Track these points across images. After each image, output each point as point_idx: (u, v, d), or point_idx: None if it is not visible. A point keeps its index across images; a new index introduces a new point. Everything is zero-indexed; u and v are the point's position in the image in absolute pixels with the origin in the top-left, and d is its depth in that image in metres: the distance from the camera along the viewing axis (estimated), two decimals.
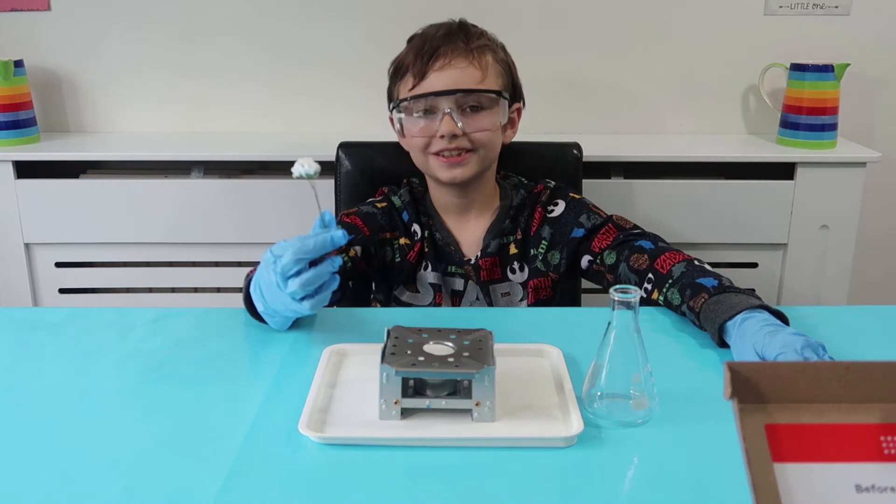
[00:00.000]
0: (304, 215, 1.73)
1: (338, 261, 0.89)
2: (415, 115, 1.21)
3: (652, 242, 1.17)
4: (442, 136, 1.19)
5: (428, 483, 0.72)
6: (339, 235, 0.87)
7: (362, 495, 0.70)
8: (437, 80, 1.19)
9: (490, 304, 1.29)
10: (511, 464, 0.74)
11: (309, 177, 0.91)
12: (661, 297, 1.09)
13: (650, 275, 1.12)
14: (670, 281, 1.08)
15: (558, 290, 1.29)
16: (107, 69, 1.95)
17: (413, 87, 1.20)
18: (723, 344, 0.97)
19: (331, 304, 1.23)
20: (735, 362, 0.47)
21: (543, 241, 1.28)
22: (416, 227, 1.29)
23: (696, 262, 1.10)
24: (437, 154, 1.21)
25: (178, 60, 1.95)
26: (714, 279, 1.04)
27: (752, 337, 0.90)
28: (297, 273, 0.88)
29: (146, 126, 1.99)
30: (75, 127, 2.00)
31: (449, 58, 1.19)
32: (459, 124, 1.18)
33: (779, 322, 0.93)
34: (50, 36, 1.93)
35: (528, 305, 1.28)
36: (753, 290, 1.02)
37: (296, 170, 0.92)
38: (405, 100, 1.21)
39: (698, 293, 1.02)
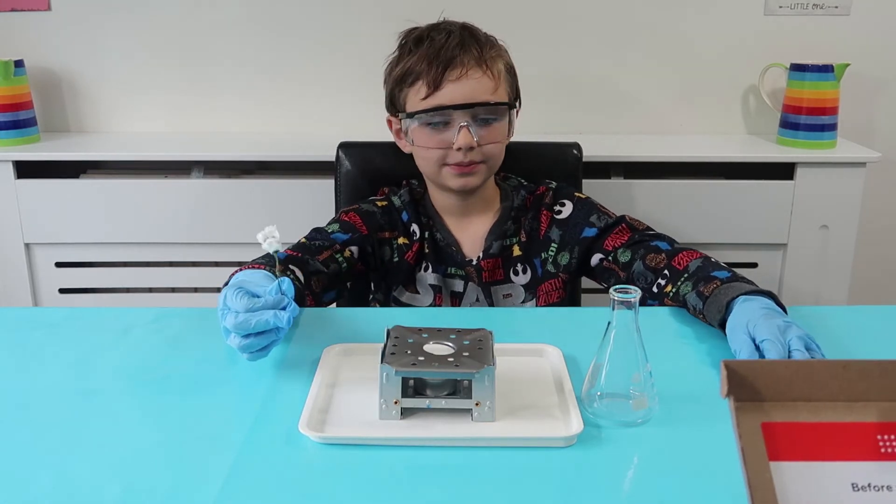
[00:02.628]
0: (303, 215, 1.74)
1: (284, 321, 0.85)
2: (428, 126, 1.20)
3: (668, 244, 1.18)
4: (458, 149, 1.18)
5: (428, 483, 0.72)
6: (284, 319, 0.85)
7: (362, 495, 0.70)
8: (453, 91, 1.17)
9: (491, 305, 1.29)
10: (511, 464, 0.74)
11: (274, 252, 0.87)
12: (673, 290, 1.10)
13: (666, 271, 1.13)
14: (686, 275, 1.09)
15: (568, 289, 1.30)
16: (107, 69, 1.95)
17: (427, 97, 1.19)
18: (724, 327, 0.97)
19: (329, 304, 1.23)
20: (732, 360, 0.47)
21: (553, 244, 1.28)
22: (414, 227, 1.29)
23: (713, 260, 1.12)
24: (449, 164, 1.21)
25: (179, 60, 1.95)
26: (728, 272, 1.06)
27: (747, 314, 0.92)
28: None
29: (146, 126, 1.99)
30: (75, 127, 2.00)
31: (465, 68, 1.17)
32: (476, 138, 1.18)
33: (780, 310, 0.94)
34: (50, 36, 1.93)
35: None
36: None
37: (260, 239, 0.87)
38: (421, 112, 1.19)
39: (711, 281, 1.04)
